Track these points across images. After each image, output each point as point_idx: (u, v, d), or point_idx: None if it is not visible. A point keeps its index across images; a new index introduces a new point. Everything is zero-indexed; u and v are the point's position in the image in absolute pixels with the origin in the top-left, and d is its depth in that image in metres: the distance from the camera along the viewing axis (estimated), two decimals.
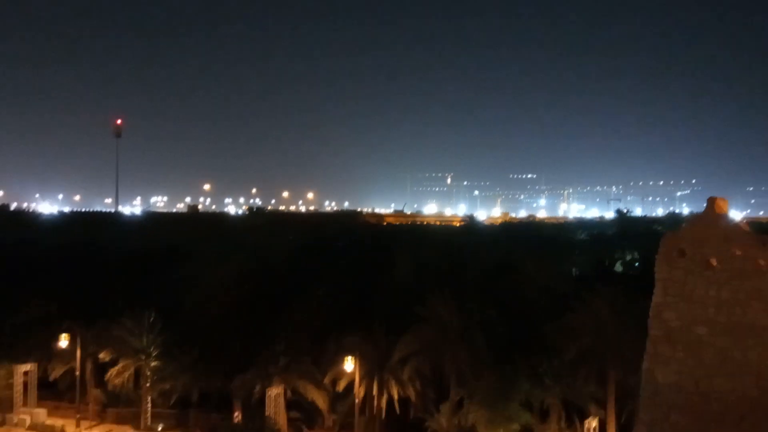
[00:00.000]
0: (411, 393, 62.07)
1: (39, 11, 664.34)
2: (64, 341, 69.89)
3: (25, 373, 69.37)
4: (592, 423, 53.77)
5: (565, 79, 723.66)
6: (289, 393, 62.79)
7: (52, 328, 70.10)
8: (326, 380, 62.97)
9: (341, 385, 62.77)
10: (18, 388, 68.69)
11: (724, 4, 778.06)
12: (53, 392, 72.32)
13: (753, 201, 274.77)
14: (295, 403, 63.67)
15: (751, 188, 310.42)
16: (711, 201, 21.26)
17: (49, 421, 68.33)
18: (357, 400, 61.91)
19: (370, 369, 61.39)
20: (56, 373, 71.86)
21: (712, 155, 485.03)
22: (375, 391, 62.08)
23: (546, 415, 57.87)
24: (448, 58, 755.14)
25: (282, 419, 60.71)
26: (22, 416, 67.98)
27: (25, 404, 69.06)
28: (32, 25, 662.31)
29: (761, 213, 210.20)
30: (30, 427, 67.08)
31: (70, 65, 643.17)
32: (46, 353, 70.74)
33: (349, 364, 61.04)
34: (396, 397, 62.06)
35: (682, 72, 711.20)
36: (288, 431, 60.38)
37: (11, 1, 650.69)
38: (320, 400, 63.15)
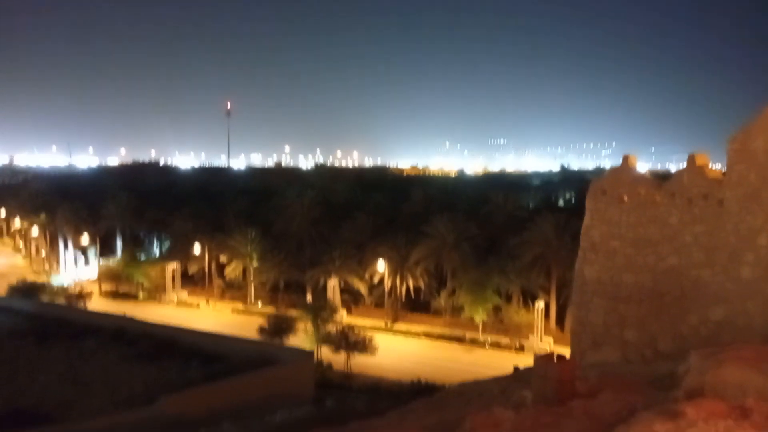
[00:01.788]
0: (421, 283, 62.62)
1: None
2: (197, 248, 71.20)
3: (173, 269, 70.93)
4: (540, 304, 53.95)
5: (526, 66, 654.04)
6: (342, 283, 63.61)
7: (189, 240, 71.39)
8: (366, 275, 63.67)
9: (376, 278, 63.50)
10: (168, 278, 70.32)
11: None
12: (190, 281, 73.94)
13: (654, 157, 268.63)
14: (346, 290, 64.37)
15: (653, 148, 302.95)
16: (625, 157, 20.75)
17: (189, 300, 70.09)
18: (386, 288, 62.64)
19: (394, 267, 61.89)
20: (192, 268, 73.44)
21: (626, 125, 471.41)
22: (398, 282, 62.70)
23: (510, 299, 58.25)
24: (452, 49, 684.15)
25: (337, 300, 61.60)
26: (171, 296, 69.83)
27: (173, 289, 70.83)
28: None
29: (659, 166, 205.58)
30: (177, 303, 68.88)
31: (191, 56, 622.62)
32: (186, 256, 72.21)
33: (381, 264, 61.58)
34: (411, 286, 62.71)
35: (606, 62, 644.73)
36: (341, 307, 61.20)
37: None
38: (362, 288, 63.98)
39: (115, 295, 71.37)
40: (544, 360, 14.32)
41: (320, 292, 62.50)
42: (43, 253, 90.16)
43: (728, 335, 15.84)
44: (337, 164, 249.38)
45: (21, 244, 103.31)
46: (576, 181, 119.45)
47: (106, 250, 79.92)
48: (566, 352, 21.87)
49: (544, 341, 51.77)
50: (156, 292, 70.63)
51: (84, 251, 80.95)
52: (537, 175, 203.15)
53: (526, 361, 32.44)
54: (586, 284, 21.59)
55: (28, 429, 26.64)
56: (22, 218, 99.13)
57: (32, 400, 32.10)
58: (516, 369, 25.85)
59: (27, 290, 58.80)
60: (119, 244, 78.85)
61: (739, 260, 16.81)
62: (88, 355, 38.31)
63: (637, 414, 9.79)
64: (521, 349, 52.43)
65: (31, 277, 71.95)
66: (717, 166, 20.26)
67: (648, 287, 19.45)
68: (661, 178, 21.83)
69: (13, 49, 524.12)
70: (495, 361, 47.07)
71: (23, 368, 35.80)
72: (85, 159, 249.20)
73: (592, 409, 11.75)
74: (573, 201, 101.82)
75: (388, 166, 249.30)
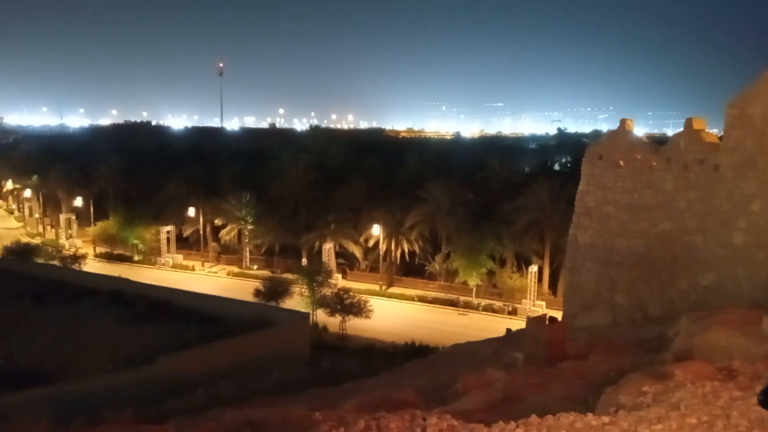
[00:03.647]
0: (416, 248, 62.98)
1: None
2: (191, 211, 71.10)
3: (167, 232, 70.87)
4: (533, 268, 54.44)
5: (524, 29, 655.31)
6: (337, 247, 63.82)
7: (183, 202, 71.17)
8: (361, 239, 63.90)
9: (371, 242, 63.78)
10: (163, 241, 70.32)
11: None
12: (185, 244, 73.98)
13: (651, 122, 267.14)
14: (341, 254, 64.59)
15: (650, 113, 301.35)
16: (622, 121, 20.66)
17: (184, 263, 70.32)
18: (381, 252, 63.01)
19: (389, 232, 62.13)
20: (187, 231, 73.33)
21: (624, 89, 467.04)
22: (393, 246, 63.01)
23: (504, 263, 58.76)
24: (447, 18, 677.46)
25: (332, 263, 61.93)
26: (166, 259, 70.00)
27: (168, 252, 70.98)
28: None
29: (655, 130, 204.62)
30: (173, 266, 69.10)
31: (183, 15, 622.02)
32: (180, 219, 72.06)
33: (376, 229, 61.78)
34: (406, 250, 63.07)
35: (605, 30, 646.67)
36: (336, 271, 61.68)
37: None
38: (357, 252, 64.30)
39: (109, 257, 71.52)
40: (535, 322, 14.60)
41: (315, 256, 62.74)
42: (37, 215, 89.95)
43: (717, 300, 16.12)
44: (332, 127, 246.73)
45: (14, 205, 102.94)
46: (572, 145, 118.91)
47: (99, 212, 79.69)
48: (558, 315, 22.24)
49: (537, 305, 52.43)
50: (151, 255, 70.81)
51: (77, 213, 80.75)
52: (533, 138, 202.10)
53: (518, 324, 32.95)
54: (579, 249, 21.83)
55: (29, 388, 27.08)
56: (14, 180, 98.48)
57: (31, 360, 32.54)
58: (508, 331, 26.34)
59: (22, 252, 58.87)
60: (113, 206, 78.40)
61: (731, 226, 16.98)
62: (85, 317, 38.68)
63: (626, 375, 10.09)
64: (514, 312, 53.15)
65: (25, 239, 71.96)
66: (715, 132, 20.24)
67: (640, 252, 19.70)
68: (658, 142, 21.84)
69: (2, 8, 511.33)
70: (488, 324, 47.77)
71: (21, 329, 36.17)
72: (76, 120, 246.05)
73: (582, 370, 12.09)
74: (569, 165, 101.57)
75: (383, 128, 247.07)
